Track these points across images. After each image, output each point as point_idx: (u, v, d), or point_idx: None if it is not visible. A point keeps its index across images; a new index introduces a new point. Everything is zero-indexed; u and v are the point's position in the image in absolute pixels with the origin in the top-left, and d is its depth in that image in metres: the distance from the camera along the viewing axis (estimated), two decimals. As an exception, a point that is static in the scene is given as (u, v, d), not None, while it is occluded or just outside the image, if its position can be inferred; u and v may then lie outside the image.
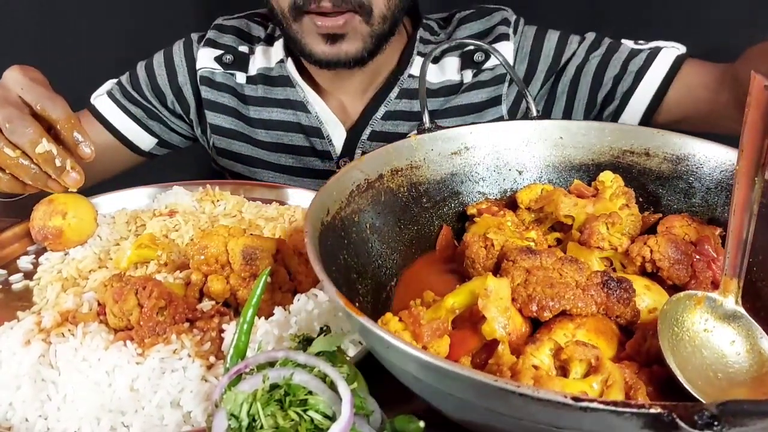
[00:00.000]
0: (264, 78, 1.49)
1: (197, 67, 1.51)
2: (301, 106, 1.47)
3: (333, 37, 1.26)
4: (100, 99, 1.56)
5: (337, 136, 1.48)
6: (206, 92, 1.51)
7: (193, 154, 1.75)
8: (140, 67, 1.56)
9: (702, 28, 1.88)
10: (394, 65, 1.45)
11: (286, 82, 1.47)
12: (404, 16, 1.48)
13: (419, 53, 1.46)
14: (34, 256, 1.10)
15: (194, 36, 1.54)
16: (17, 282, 1.04)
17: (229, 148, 1.54)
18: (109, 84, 1.58)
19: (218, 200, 1.22)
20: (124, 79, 1.57)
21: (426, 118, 0.96)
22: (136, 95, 1.55)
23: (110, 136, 1.54)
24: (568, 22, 1.99)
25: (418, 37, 1.45)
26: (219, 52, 1.50)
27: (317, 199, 0.80)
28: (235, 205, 1.20)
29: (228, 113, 1.51)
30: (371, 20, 1.26)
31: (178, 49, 1.54)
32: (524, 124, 1.00)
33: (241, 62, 1.50)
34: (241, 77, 1.50)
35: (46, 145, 0.94)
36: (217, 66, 1.50)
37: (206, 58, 1.50)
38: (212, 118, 1.52)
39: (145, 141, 1.58)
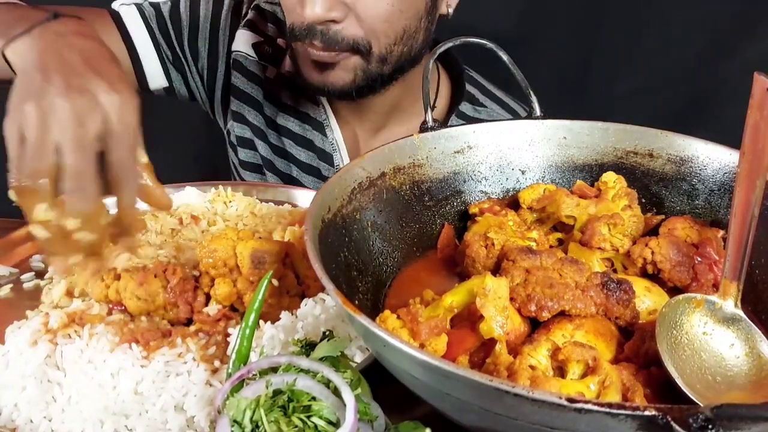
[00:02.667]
0: (291, 83, 1.43)
1: (233, 48, 1.42)
2: (319, 126, 1.44)
3: (323, 65, 1.24)
4: (128, 10, 1.39)
5: None
6: (236, 78, 1.44)
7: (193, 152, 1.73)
8: (184, 7, 1.42)
9: (701, 28, 1.87)
10: None
11: (311, 97, 1.43)
12: (446, 76, 1.49)
13: (458, 113, 1.43)
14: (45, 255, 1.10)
15: (244, 7, 1.44)
16: (28, 281, 1.05)
17: (251, 138, 1.47)
18: None
19: (230, 201, 1.21)
20: (165, 8, 1.41)
21: (429, 116, 0.96)
22: (172, 36, 1.41)
23: (125, 53, 1.37)
24: (568, 23, 1.99)
25: (456, 109, 1.42)
26: (258, 39, 1.42)
27: (318, 197, 0.80)
28: (247, 206, 1.20)
29: (251, 104, 1.45)
30: (369, 58, 1.22)
31: (226, 13, 1.43)
32: (528, 123, 0.99)
33: (275, 56, 1.43)
34: (272, 71, 1.44)
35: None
36: (252, 53, 1.42)
37: (243, 42, 1.42)
38: (237, 106, 1.45)
39: (157, 80, 1.44)
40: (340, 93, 1.27)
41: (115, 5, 1.40)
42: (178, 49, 1.43)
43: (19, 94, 0.82)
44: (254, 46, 1.42)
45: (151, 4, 1.42)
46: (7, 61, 0.89)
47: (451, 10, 1.32)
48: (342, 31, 1.18)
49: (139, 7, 1.40)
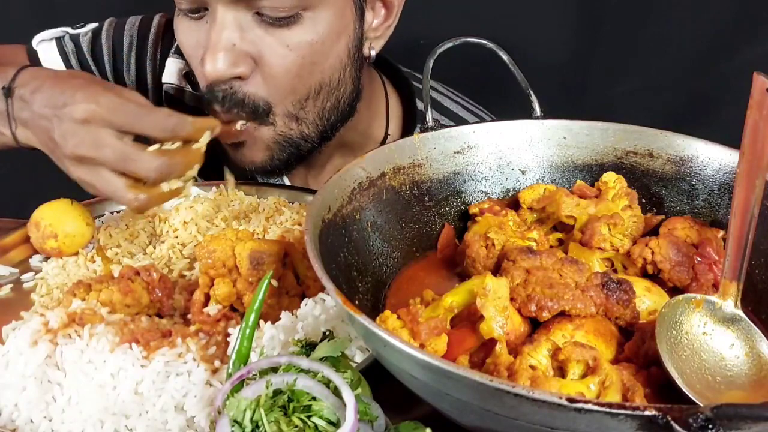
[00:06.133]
0: None
1: (163, 79, 1.29)
2: None
3: (234, 144, 1.12)
4: (47, 47, 1.30)
5: None
6: None
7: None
8: (105, 36, 1.31)
9: (701, 28, 1.87)
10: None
11: None
12: (395, 95, 1.33)
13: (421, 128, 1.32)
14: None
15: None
16: (28, 281, 1.04)
17: None
18: (60, 32, 1.32)
19: (232, 201, 1.21)
20: (85, 40, 1.31)
21: (429, 116, 0.96)
22: (94, 70, 1.31)
23: None
24: (568, 23, 1.99)
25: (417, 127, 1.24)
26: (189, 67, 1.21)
27: (318, 197, 0.80)
28: (248, 205, 1.19)
29: None
30: (272, 119, 1.08)
31: (153, 38, 1.30)
32: (528, 123, 0.99)
33: None
34: None
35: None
36: (184, 83, 1.28)
37: (172, 73, 1.27)
38: None
39: None
40: (263, 170, 1.14)
41: (35, 42, 1.32)
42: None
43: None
44: (186, 75, 1.27)
45: (71, 37, 1.33)
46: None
47: (374, 53, 1.18)
48: (243, 87, 1.04)
49: (59, 42, 1.32)
